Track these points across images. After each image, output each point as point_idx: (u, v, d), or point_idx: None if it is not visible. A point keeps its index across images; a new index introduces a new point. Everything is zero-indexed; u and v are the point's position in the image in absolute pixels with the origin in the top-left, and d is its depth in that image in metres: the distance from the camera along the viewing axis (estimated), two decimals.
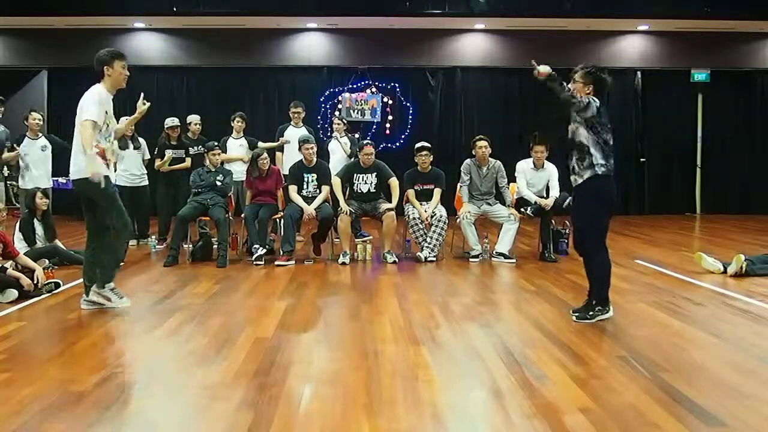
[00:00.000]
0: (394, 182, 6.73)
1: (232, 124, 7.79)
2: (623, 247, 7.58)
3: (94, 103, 4.31)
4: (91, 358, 3.45)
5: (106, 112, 4.39)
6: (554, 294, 5.05)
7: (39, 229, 6.20)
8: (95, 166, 4.26)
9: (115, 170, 5.30)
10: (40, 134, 6.98)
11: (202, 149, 7.34)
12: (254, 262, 6.30)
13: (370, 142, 6.99)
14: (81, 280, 4.58)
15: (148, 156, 7.55)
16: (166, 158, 7.34)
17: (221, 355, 3.50)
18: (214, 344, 3.69)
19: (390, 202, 6.65)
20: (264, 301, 4.81)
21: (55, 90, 11.07)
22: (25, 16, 10.14)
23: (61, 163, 6.49)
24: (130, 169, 7.26)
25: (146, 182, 7.48)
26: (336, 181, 6.71)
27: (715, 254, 6.08)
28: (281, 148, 7.68)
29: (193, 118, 7.82)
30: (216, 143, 7.01)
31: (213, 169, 6.75)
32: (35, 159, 6.84)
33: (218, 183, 6.65)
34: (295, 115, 7.75)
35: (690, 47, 11.33)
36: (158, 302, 4.80)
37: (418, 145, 6.91)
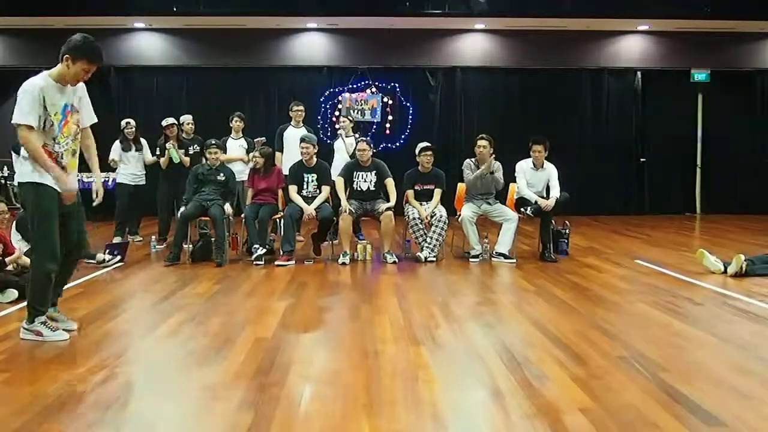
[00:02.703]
0: (390, 182, 6.72)
1: (231, 124, 7.81)
2: (623, 247, 7.59)
3: (28, 101, 3.47)
4: (91, 358, 3.45)
5: (46, 108, 3.54)
6: (554, 294, 5.05)
7: None
8: (63, 184, 3.59)
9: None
10: None
11: (198, 148, 7.62)
12: (254, 262, 6.30)
13: (364, 139, 7.00)
14: (80, 279, 4.59)
15: (149, 157, 7.70)
16: (167, 154, 7.49)
17: (221, 355, 3.49)
18: (214, 344, 3.69)
19: (388, 201, 6.66)
20: (264, 301, 4.81)
21: None
22: (25, 16, 10.15)
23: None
24: (131, 169, 7.69)
25: (144, 182, 7.82)
26: (339, 180, 6.72)
27: (716, 254, 6.07)
28: (281, 148, 7.68)
29: (186, 118, 7.90)
30: (214, 141, 7.02)
31: (213, 168, 6.74)
32: None
33: (219, 179, 6.66)
34: (295, 115, 7.75)
35: (690, 47, 11.33)
36: (158, 302, 4.80)
37: (422, 144, 6.92)
